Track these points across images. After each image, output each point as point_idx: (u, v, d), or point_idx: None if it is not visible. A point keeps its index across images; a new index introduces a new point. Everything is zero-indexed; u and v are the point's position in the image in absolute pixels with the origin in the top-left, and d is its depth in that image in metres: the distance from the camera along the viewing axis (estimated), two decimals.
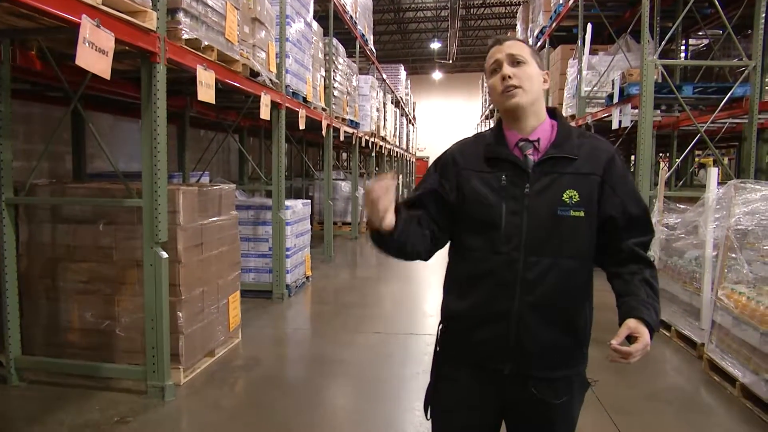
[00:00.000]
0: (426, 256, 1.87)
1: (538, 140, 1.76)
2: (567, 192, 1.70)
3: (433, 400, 1.90)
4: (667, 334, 5.27)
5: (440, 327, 1.90)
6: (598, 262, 1.83)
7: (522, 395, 1.77)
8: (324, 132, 8.54)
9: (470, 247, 1.78)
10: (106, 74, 2.93)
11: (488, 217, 1.74)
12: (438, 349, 1.91)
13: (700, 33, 9.96)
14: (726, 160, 16.83)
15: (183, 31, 3.79)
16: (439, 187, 1.83)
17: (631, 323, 1.64)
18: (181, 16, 3.78)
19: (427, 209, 1.84)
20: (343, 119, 9.93)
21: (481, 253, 1.75)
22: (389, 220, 1.68)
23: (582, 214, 1.70)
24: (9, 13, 3.04)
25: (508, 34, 2.21)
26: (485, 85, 22.51)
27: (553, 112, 1.84)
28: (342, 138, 9.93)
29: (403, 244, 1.76)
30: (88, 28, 2.77)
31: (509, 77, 1.72)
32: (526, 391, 1.76)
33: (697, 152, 10.61)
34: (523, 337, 1.72)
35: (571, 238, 1.71)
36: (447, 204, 1.81)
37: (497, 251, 1.72)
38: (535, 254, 1.70)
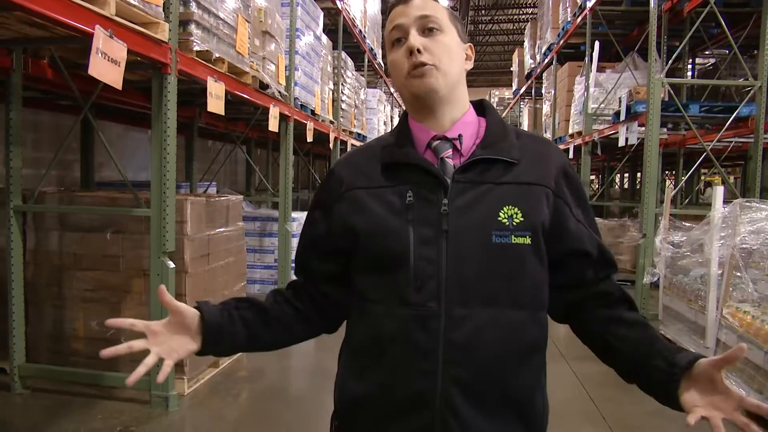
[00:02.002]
0: (323, 332, 1.41)
1: (459, 138, 1.24)
2: (505, 209, 1.17)
3: None
4: None
5: (334, 423, 1.33)
6: (562, 310, 1.32)
7: None
8: (331, 145, 8.57)
9: (369, 300, 1.23)
10: (118, 84, 2.97)
11: (389, 253, 1.18)
12: None
13: (707, 52, 9.99)
14: (732, 179, 16.85)
15: (194, 43, 3.83)
16: (317, 234, 1.31)
17: (711, 369, 1.09)
18: (192, 28, 3.83)
19: (308, 270, 1.35)
20: (351, 132, 9.97)
21: (383, 307, 1.19)
22: (180, 353, 1.21)
23: (527, 240, 1.17)
24: (22, 22, 3.07)
25: None
26: (492, 99, 22.55)
27: (480, 106, 1.33)
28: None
29: (247, 346, 1.31)
30: (101, 38, 2.80)
31: (418, 51, 1.19)
32: None
33: (703, 170, 10.63)
34: None
35: (514, 276, 1.18)
36: (334, 254, 1.29)
37: (406, 302, 1.16)
38: (463, 304, 1.15)
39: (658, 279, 5.66)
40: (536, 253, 1.19)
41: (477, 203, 1.18)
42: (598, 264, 1.27)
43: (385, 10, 15.87)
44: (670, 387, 1.12)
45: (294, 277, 1.41)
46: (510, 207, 1.17)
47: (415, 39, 1.20)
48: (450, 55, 1.22)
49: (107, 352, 1.13)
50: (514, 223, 1.16)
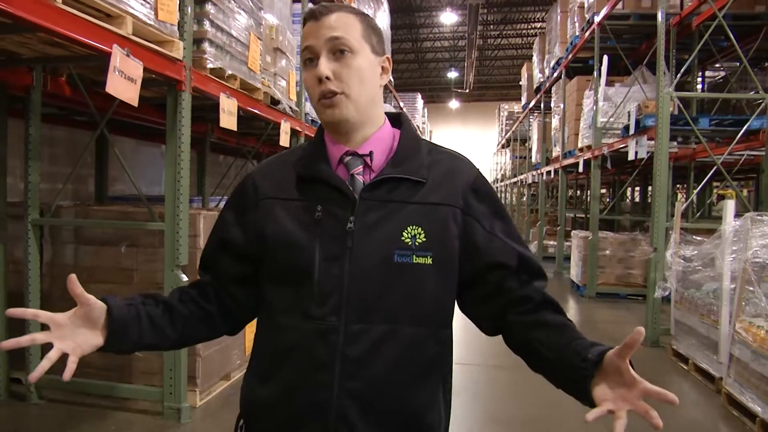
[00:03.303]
0: (225, 333, 1.39)
1: (370, 154, 1.25)
2: (408, 229, 1.19)
3: None
4: (684, 367, 5.22)
5: (239, 423, 1.32)
6: (486, 322, 1.32)
7: None
8: None
9: (274, 309, 1.25)
10: (134, 101, 3.03)
11: (296, 266, 1.21)
12: None
13: (717, 65, 10.00)
14: (745, 193, 16.75)
15: (208, 61, 3.90)
16: (229, 235, 1.31)
17: (615, 357, 1.07)
18: (206, 46, 3.90)
19: (216, 270, 1.33)
20: None
21: (287, 318, 1.22)
22: (84, 348, 1.15)
23: (429, 261, 1.19)
24: (43, 42, 3.16)
25: (329, 3, 1.29)
26: (502, 114, 22.63)
27: (396, 119, 1.34)
28: None
29: (151, 343, 1.27)
30: (118, 57, 2.87)
31: (327, 79, 1.19)
32: None
33: (715, 184, 10.59)
34: None
35: (414, 295, 1.20)
36: (244, 256, 1.29)
37: (308, 314, 1.19)
38: (362, 320, 1.17)
39: (670, 293, 5.65)
40: (439, 273, 1.21)
41: (382, 222, 1.19)
42: (519, 273, 1.27)
43: (393, 26, 15.98)
44: (583, 383, 1.10)
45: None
46: (414, 227, 1.19)
47: (324, 67, 1.19)
48: (361, 80, 1.21)
49: (7, 343, 1.09)
50: (417, 243, 1.18)
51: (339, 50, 1.20)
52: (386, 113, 1.33)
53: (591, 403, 1.08)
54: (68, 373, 1.09)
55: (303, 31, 1.26)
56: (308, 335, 1.18)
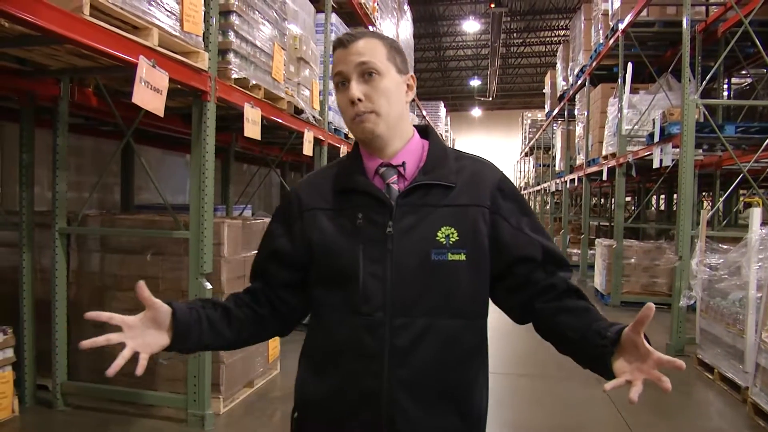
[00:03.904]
0: (278, 335, 1.54)
1: (403, 164, 1.38)
2: (442, 230, 1.32)
3: None
4: (710, 376, 5.14)
5: (294, 415, 1.45)
6: (516, 310, 1.44)
7: None
8: None
9: (325, 309, 1.38)
10: (160, 112, 3.08)
11: (341, 269, 1.34)
12: None
13: (743, 72, 9.87)
14: None
15: (233, 71, 3.95)
16: (278, 245, 1.44)
17: (631, 333, 1.18)
18: (231, 56, 3.95)
19: (266, 278, 1.46)
20: None
21: (338, 316, 1.35)
22: (152, 348, 1.29)
23: (463, 257, 1.32)
24: (71, 54, 3.22)
25: (357, 31, 1.37)
26: (525, 122, 22.55)
27: (424, 130, 1.48)
28: None
29: (211, 344, 1.42)
30: (144, 68, 2.92)
31: (359, 100, 1.33)
32: None
33: (741, 192, 10.44)
34: (399, 427, 1.31)
35: (451, 290, 1.32)
36: (292, 264, 1.42)
37: (356, 312, 1.32)
38: (405, 314, 1.30)
39: (695, 302, 5.57)
40: (473, 268, 1.34)
41: (418, 225, 1.33)
42: (545, 265, 1.39)
43: (416, 35, 16.05)
44: (604, 359, 1.21)
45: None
46: (447, 227, 1.32)
47: (355, 89, 1.33)
48: (388, 99, 1.35)
49: (86, 343, 1.22)
50: (450, 242, 1.31)
51: (367, 73, 1.34)
52: (414, 126, 1.47)
53: (612, 377, 1.19)
54: (140, 369, 1.23)
55: (333, 57, 1.39)
56: (358, 330, 1.31)
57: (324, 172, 1.49)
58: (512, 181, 1.46)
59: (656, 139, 7.00)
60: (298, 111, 5.36)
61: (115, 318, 1.26)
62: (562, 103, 14.26)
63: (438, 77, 30.90)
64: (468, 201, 1.35)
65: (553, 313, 1.36)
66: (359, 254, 1.32)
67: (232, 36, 3.96)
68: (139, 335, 1.27)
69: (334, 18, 6.56)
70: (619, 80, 8.73)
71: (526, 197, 23.76)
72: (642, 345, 1.15)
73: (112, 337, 1.23)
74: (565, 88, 13.78)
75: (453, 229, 1.32)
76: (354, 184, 1.37)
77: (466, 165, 1.41)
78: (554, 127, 16.75)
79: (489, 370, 1.45)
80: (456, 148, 1.54)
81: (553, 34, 24.41)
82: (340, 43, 1.37)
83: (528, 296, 1.39)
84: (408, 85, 1.42)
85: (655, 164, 6.88)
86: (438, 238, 1.31)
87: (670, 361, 1.12)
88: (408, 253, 1.31)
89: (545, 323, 1.38)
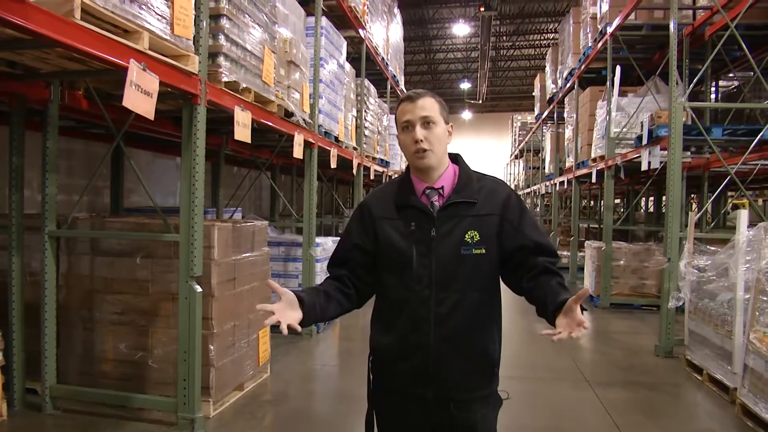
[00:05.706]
0: (356, 307, 2.07)
1: (442, 188, 1.96)
2: (468, 233, 1.89)
3: (369, 426, 2.07)
4: (699, 377, 5.18)
5: (370, 358, 2.08)
6: (514, 285, 1.98)
7: (445, 418, 1.93)
8: (355, 170, 8.68)
9: (388, 287, 1.97)
10: (150, 115, 3.08)
11: (401, 260, 1.92)
12: (370, 377, 2.09)
13: (730, 75, 9.96)
14: (759, 202, 16.59)
15: (223, 74, 3.95)
16: (359, 241, 2.01)
17: (571, 302, 1.69)
18: (221, 60, 3.95)
19: (349, 265, 2.03)
20: (374, 158, 10.07)
21: (397, 292, 1.94)
22: (293, 322, 1.80)
23: (483, 251, 1.89)
24: (61, 57, 3.22)
25: (419, 90, 2.15)
26: (515, 124, 22.63)
27: (455, 159, 2.05)
28: (372, 176, 10.06)
29: (323, 317, 1.95)
30: (135, 71, 2.92)
31: (421, 140, 1.90)
32: (449, 413, 1.93)
33: (729, 194, 10.51)
34: (441, 367, 1.90)
35: (475, 273, 1.90)
36: (368, 253, 2.00)
37: (411, 289, 1.90)
38: (445, 290, 1.89)
39: (683, 303, 5.61)
40: (489, 258, 1.92)
41: (452, 230, 1.91)
42: (537, 252, 1.92)
43: (406, 38, 16.09)
44: (552, 316, 1.75)
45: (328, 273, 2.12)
46: (472, 231, 1.90)
47: (419, 133, 1.90)
48: (439, 141, 1.94)
49: (260, 306, 1.80)
50: (474, 241, 1.89)
51: (427, 122, 1.91)
52: (448, 154, 2.02)
53: (554, 325, 1.73)
54: (284, 329, 1.74)
55: (401, 107, 1.95)
56: (412, 301, 1.90)
57: (384, 190, 2.07)
58: (513, 188, 1.84)
59: (644, 141, 7.05)
60: (289, 114, 5.37)
61: (278, 289, 1.82)
62: (551, 106, 14.33)
63: (428, 80, 30.94)
64: (486, 212, 1.92)
65: (532, 287, 1.89)
66: (412, 250, 1.90)
67: (222, 39, 3.96)
68: (285, 313, 1.78)
69: (324, 21, 6.58)
70: (608, 83, 8.79)
71: None
72: (574, 311, 1.66)
73: (272, 318, 1.75)
74: (555, 91, 13.84)
75: (476, 232, 1.89)
76: (408, 201, 1.96)
77: (485, 185, 1.98)
78: (544, 130, 16.84)
79: None
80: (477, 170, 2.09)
81: (542, 38, 24.52)
82: (409, 98, 1.94)
83: (520, 275, 1.94)
84: (449, 132, 2.00)
85: (644, 166, 6.93)
86: (465, 239, 1.89)
87: (577, 310, 1.66)
88: (445, 250, 1.89)
89: (527, 294, 1.92)
